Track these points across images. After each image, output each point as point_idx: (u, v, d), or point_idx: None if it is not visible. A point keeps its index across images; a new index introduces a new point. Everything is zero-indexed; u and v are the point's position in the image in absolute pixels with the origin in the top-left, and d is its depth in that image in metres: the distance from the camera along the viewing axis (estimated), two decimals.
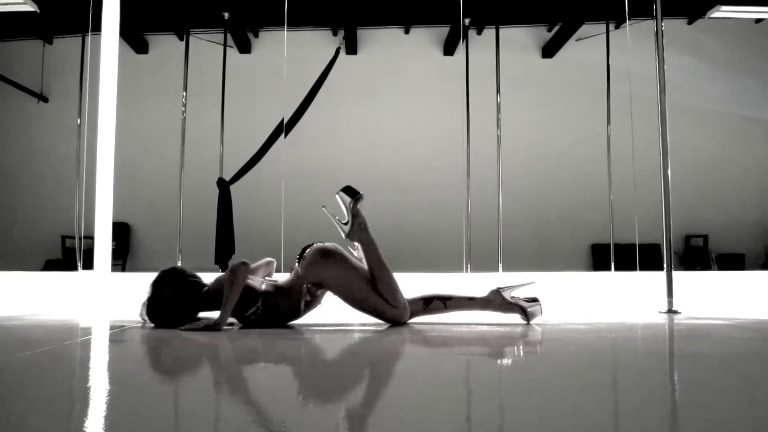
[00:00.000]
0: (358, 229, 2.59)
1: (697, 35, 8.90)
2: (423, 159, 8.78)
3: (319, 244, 2.60)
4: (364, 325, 2.70)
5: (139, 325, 2.61)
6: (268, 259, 2.89)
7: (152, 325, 2.61)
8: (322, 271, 2.53)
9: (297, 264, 2.61)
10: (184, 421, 1.14)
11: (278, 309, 2.58)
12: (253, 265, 2.65)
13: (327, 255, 2.54)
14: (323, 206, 2.67)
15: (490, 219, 6.91)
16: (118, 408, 1.19)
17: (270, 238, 6.77)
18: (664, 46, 3.76)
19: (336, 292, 2.58)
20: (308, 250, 2.60)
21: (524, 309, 2.65)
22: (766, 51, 9.01)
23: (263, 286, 2.61)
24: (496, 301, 2.66)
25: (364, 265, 2.57)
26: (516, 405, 1.27)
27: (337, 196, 2.62)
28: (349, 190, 2.59)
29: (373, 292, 2.54)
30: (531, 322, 2.64)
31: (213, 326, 2.44)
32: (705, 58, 9.02)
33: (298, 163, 8.13)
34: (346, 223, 2.60)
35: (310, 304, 2.62)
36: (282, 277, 2.72)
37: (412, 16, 8.70)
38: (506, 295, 2.67)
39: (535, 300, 2.70)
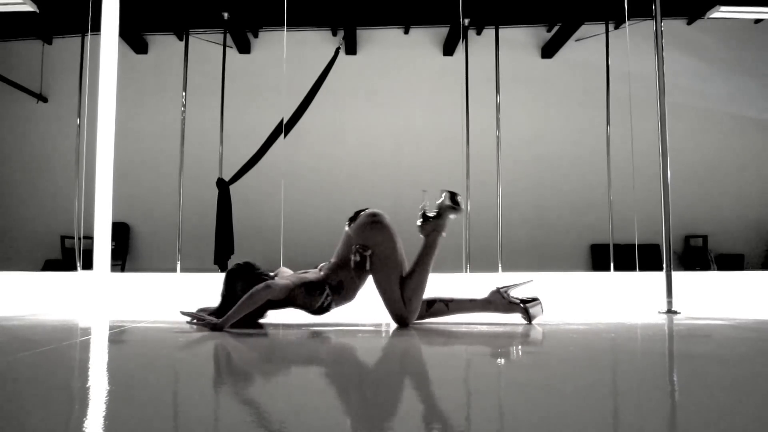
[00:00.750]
0: (433, 227, 2.60)
1: (697, 35, 8.91)
2: (422, 159, 8.78)
3: (375, 210, 2.60)
4: (363, 325, 2.70)
5: (192, 325, 2.57)
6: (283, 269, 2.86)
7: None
8: (370, 234, 2.53)
9: (347, 226, 2.60)
10: (184, 421, 1.14)
11: (343, 286, 2.57)
12: (279, 284, 2.60)
13: (378, 221, 2.54)
14: (424, 190, 2.67)
15: (490, 219, 6.91)
16: (118, 408, 1.18)
17: (269, 238, 6.78)
18: (664, 46, 3.76)
19: (374, 260, 2.54)
20: (362, 213, 2.60)
21: (525, 308, 2.64)
22: (766, 51, 9.02)
23: (320, 273, 2.61)
24: (497, 301, 2.66)
25: (405, 259, 2.58)
26: (515, 405, 1.27)
27: (443, 192, 2.63)
28: (453, 197, 2.60)
29: (398, 282, 2.54)
30: (533, 322, 2.63)
31: (216, 326, 2.44)
32: (704, 58, 9.02)
33: (298, 164, 8.14)
34: (429, 217, 2.61)
35: (361, 277, 2.59)
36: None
37: (411, 17, 8.70)
38: (507, 294, 2.66)
39: (535, 299, 2.69)
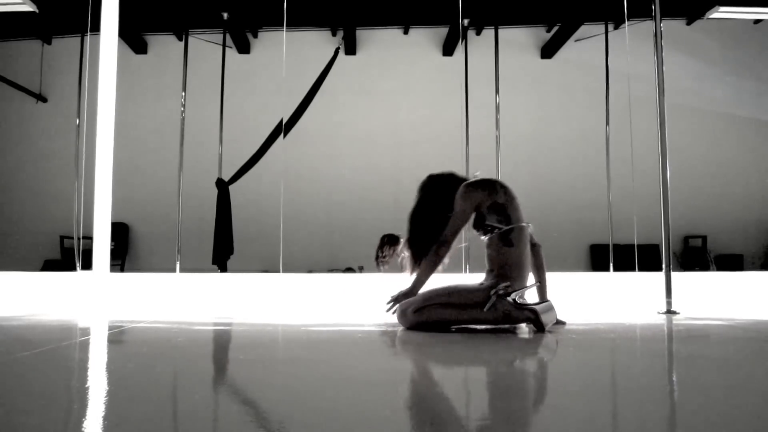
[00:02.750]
0: (497, 305, 2.49)
1: (696, 36, 8.91)
2: (422, 159, 8.74)
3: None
4: (362, 325, 2.70)
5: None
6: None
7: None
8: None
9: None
10: (183, 421, 1.14)
11: (506, 261, 2.56)
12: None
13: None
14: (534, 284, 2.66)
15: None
16: (117, 409, 1.18)
17: (269, 239, 6.78)
18: (663, 46, 3.76)
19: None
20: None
21: (537, 317, 2.42)
22: (765, 52, 9.01)
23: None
24: (506, 308, 2.45)
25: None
26: (515, 404, 1.27)
27: (539, 307, 2.50)
28: (539, 323, 2.43)
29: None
30: (546, 329, 2.44)
31: (408, 293, 2.56)
32: (704, 58, 9.02)
33: (297, 164, 8.13)
34: (515, 304, 2.50)
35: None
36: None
37: (411, 17, 8.70)
38: (516, 300, 2.48)
39: (546, 302, 2.55)
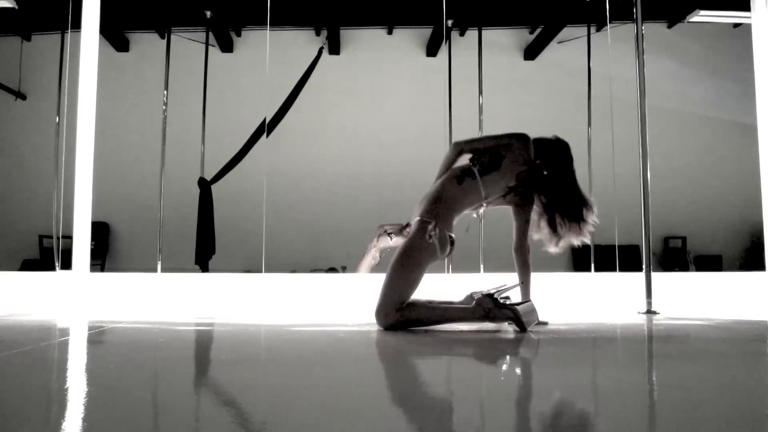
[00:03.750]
0: (484, 304, 2.48)
1: (677, 39, 9.01)
2: (405, 159, 8.78)
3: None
4: (345, 325, 2.69)
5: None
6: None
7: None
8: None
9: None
10: (164, 422, 1.13)
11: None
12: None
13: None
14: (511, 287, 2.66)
15: (471, 220, 6.91)
16: (97, 410, 1.17)
17: (251, 239, 6.74)
18: (645, 49, 3.80)
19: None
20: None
21: (518, 316, 2.42)
22: (744, 55, 9.12)
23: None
24: (487, 306, 2.44)
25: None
26: (495, 405, 1.28)
27: (521, 307, 2.50)
28: (521, 323, 2.42)
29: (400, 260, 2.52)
30: (528, 329, 2.43)
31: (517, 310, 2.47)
32: (684, 61, 9.13)
33: (280, 163, 8.10)
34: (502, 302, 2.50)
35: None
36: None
37: (395, 17, 8.70)
38: (498, 300, 2.47)
39: (528, 303, 2.54)
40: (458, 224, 2.71)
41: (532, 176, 2.68)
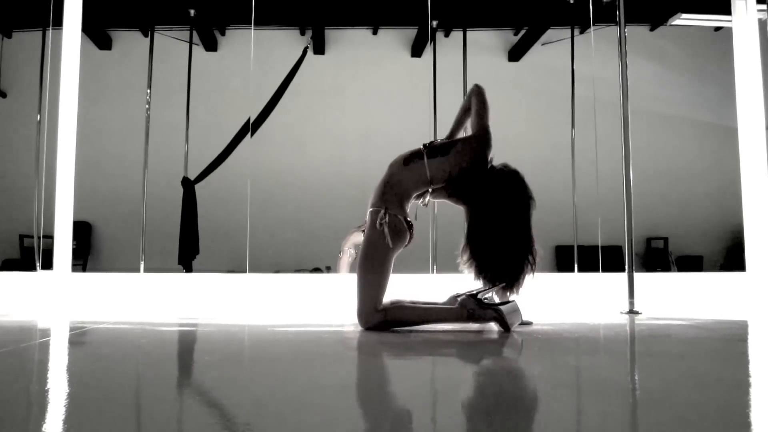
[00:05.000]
0: (468, 305, 2.47)
1: (659, 42, 9.10)
2: (390, 160, 8.77)
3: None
4: (328, 325, 2.69)
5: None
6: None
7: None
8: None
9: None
10: (146, 424, 1.12)
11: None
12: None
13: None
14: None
15: (456, 220, 6.93)
16: (78, 412, 1.16)
17: (235, 239, 6.70)
18: (627, 51, 3.83)
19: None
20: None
21: (502, 315, 2.40)
22: (725, 58, 9.23)
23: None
24: (470, 306, 2.44)
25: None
26: (478, 405, 1.28)
27: (505, 307, 2.47)
28: (504, 323, 2.41)
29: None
30: (512, 329, 2.42)
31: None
32: (666, 64, 9.22)
33: (264, 163, 8.07)
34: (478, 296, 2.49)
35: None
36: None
37: (380, 17, 8.71)
38: (481, 300, 2.46)
39: (510, 303, 2.51)
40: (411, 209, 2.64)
41: (466, 177, 2.55)
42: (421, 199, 2.63)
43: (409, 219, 2.55)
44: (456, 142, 2.67)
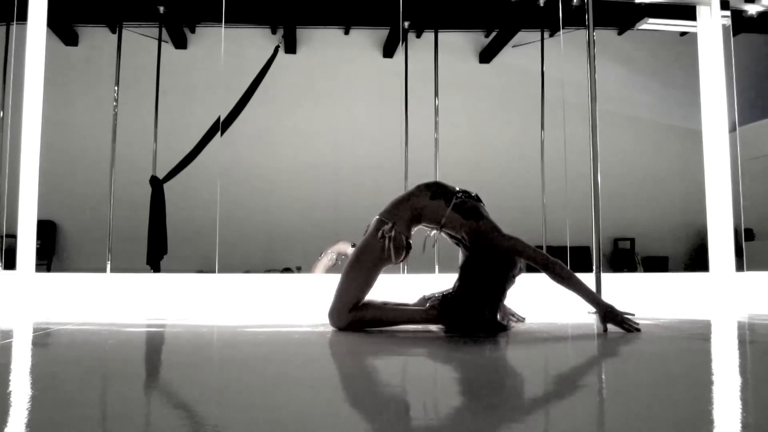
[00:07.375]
0: (437, 306, 2.51)
1: (627, 46, 9.25)
2: (361, 160, 8.79)
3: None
4: (300, 326, 2.68)
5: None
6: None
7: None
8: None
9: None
10: (113, 425, 1.10)
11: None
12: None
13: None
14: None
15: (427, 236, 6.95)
16: (41, 414, 1.14)
17: (204, 238, 6.63)
18: (596, 55, 3.89)
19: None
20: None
21: None
22: (690, 63, 9.41)
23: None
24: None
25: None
26: (450, 404, 1.29)
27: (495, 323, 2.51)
28: (490, 327, 2.47)
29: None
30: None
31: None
32: (634, 67, 9.38)
33: (234, 163, 8.00)
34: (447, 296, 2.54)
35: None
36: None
37: (352, 17, 8.70)
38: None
39: None
40: (416, 234, 2.69)
41: (474, 242, 2.65)
42: (430, 230, 2.70)
43: (410, 240, 2.60)
44: (483, 217, 2.68)
